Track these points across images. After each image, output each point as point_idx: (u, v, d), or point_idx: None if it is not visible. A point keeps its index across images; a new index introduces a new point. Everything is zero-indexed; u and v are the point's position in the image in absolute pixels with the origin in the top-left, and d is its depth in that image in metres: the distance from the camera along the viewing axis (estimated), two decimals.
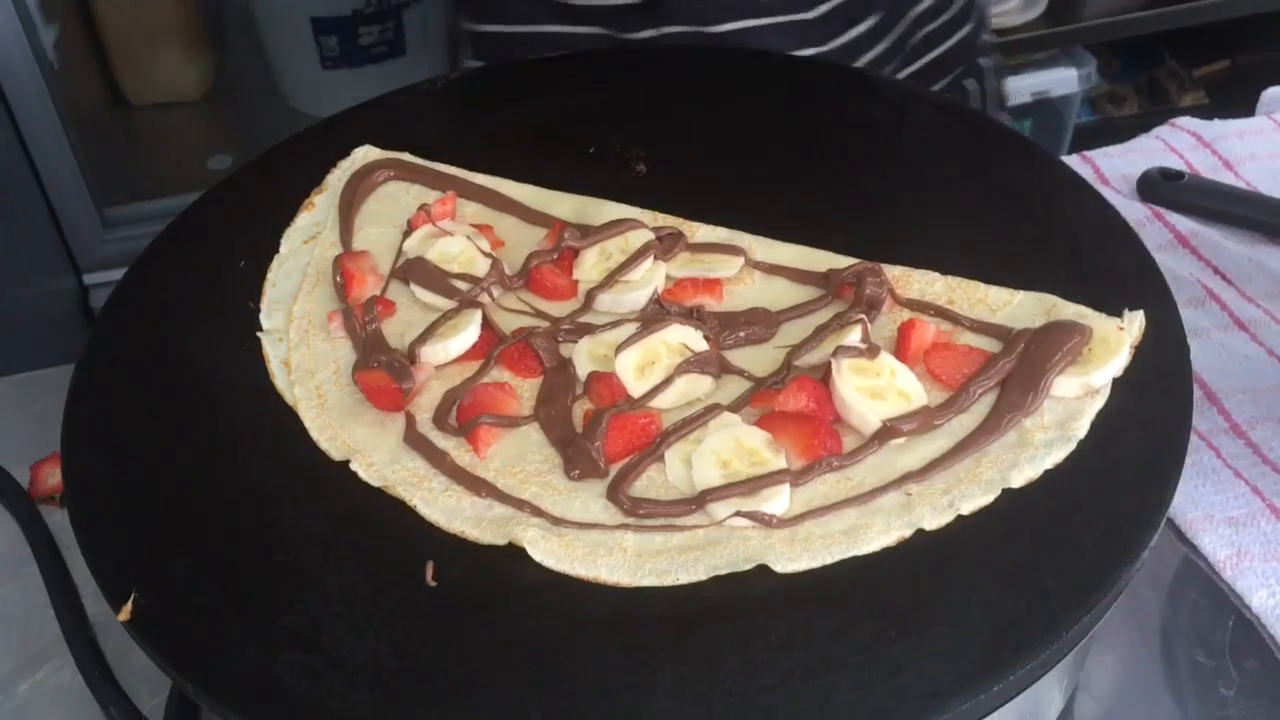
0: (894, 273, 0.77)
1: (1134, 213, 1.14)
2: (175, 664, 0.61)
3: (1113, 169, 1.20)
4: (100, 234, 2.20)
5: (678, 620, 0.62)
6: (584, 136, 0.92)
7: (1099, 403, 0.69)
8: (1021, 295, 0.75)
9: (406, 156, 0.90)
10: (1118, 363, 0.70)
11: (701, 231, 0.82)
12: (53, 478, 0.96)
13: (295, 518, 0.68)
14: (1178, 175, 1.16)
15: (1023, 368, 0.69)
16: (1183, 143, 1.25)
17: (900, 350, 0.72)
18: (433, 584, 0.64)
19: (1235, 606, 0.84)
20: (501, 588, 0.64)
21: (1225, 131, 1.26)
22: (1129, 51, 2.75)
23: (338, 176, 0.88)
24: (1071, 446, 0.67)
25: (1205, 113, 1.32)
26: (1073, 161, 1.20)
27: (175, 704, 0.80)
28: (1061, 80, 2.40)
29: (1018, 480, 0.65)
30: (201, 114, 2.53)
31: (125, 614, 0.63)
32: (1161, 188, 1.15)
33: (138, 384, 0.76)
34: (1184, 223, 1.14)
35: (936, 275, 0.77)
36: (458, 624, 0.62)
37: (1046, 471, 0.66)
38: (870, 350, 0.70)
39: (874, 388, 0.69)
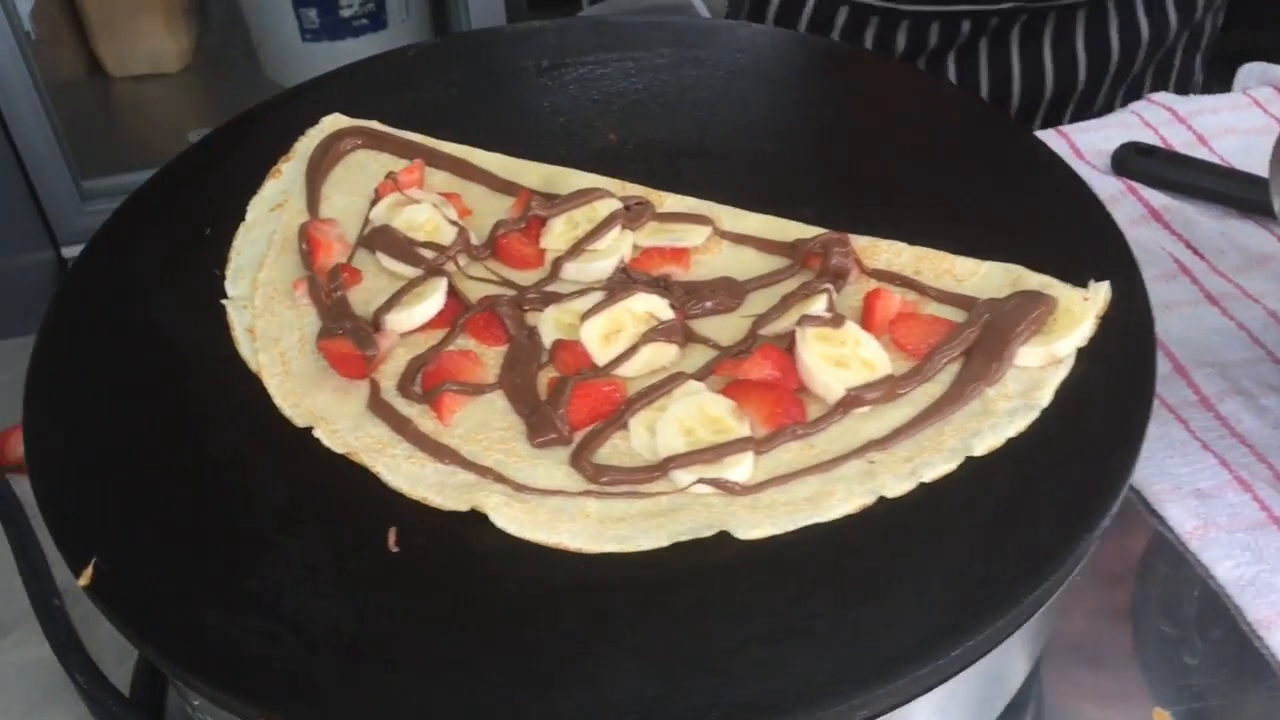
0: (861, 243, 0.77)
1: (1107, 187, 1.14)
2: (135, 629, 0.61)
3: (1088, 144, 1.21)
4: (79, 206, 2.18)
5: (639, 586, 0.62)
6: (554, 106, 0.91)
7: (1063, 372, 0.69)
8: (988, 266, 0.75)
9: (375, 125, 0.89)
10: (1081, 333, 0.70)
11: (670, 201, 0.82)
12: (20, 447, 0.95)
13: (258, 484, 0.67)
14: (1150, 150, 1.16)
15: (987, 337, 0.69)
16: (1158, 118, 1.25)
17: (865, 320, 0.72)
18: (395, 550, 0.64)
19: (1201, 577, 0.84)
20: (463, 554, 0.64)
21: (1200, 107, 1.27)
22: None
23: (306, 144, 0.88)
24: (1034, 415, 0.67)
25: None
26: (1048, 136, 1.20)
27: (142, 671, 0.80)
28: None
29: (980, 448, 0.65)
30: (181, 86, 2.52)
31: (86, 579, 0.62)
32: (1134, 162, 1.15)
33: (101, 350, 0.75)
34: (1157, 198, 1.14)
35: (904, 246, 0.77)
36: (420, 590, 0.62)
37: (1009, 440, 0.66)
38: (835, 319, 0.70)
39: (838, 356, 0.69)
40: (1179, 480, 0.89)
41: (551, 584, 0.62)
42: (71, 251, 2.21)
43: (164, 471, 0.68)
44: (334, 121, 0.90)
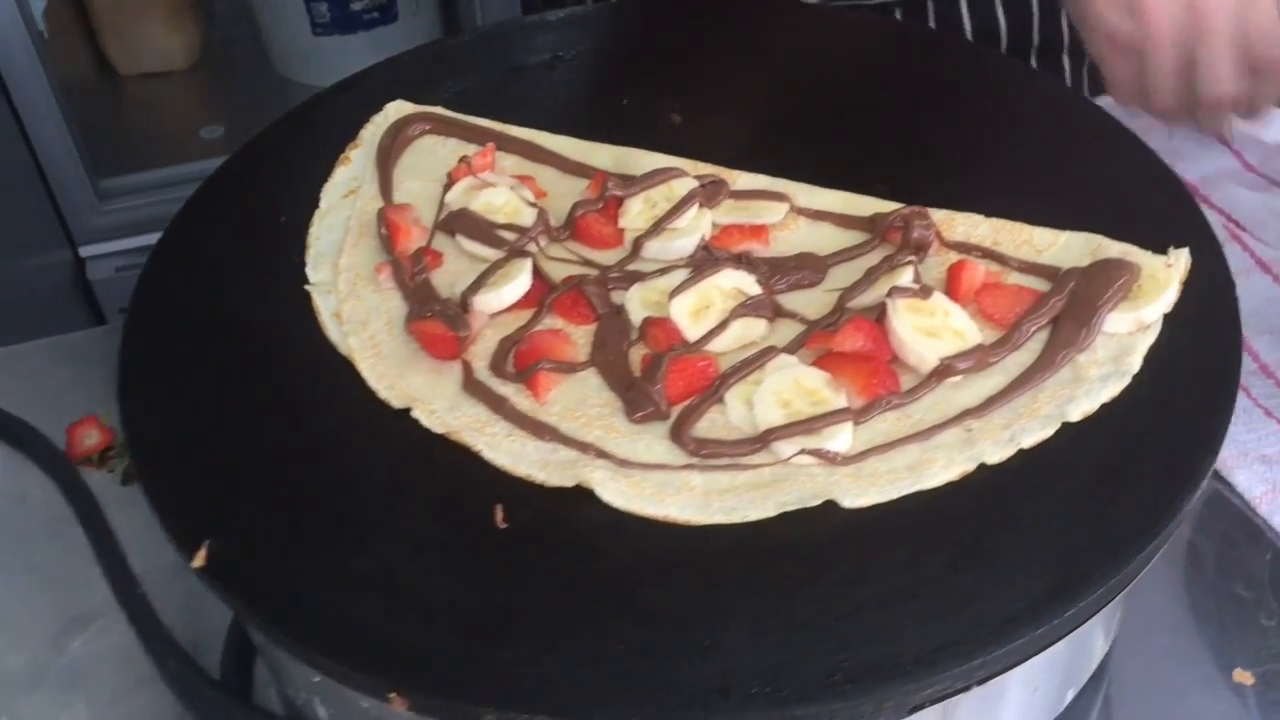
0: (938, 216, 0.77)
1: None
2: (254, 608, 0.61)
3: None
4: (95, 205, 2.18)
5: (748, 556, 0.62)
6: (617, 87, 0.92)
7: (1150, 338, 0.70)
8: (1067, 235, 0.76)
9: (440, 110, 0.89)
10: (1167, 298, 0.71)
11: (742, 179, 0.82)
12: (89, 439, 0.96)
13: (359, 465, 0.68)
14: None
15: (1074, 305, 0.70)
16: None
17: (951, 290, 0.73)
18: (503, 526, 0.64)
19: (1272, 541, 0.86)
20: (571, 529, 0.64)
21: None
22: None
23: (371, 132, 0.88)
24: (1126, 380, 0.68)
25: None
26: None
27: (231, 655, 0.81)
28: None
29: (1075, 414, 0.66)
30: (190, 83, 2.51)
31: (199, 561, 0.63)
32: None
33: (188, 338, 0.76)
34: (1194, 173, 1.15)
35: (980, 218, 0.78)
36: (531, 564, 0.63)
37: (1103, 405, 0.67)
38: (924, 290, 0.71)
39: (929, 327, 0.69)
40: (1245, 447, 0.90)
41: (660, 556, 0.63)
42: (89, 251, 2.20)
43: (264, 455, 0.69)
44: (398, 108, 0.90)
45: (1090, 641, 0.72)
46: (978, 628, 0.58)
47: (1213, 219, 1.10)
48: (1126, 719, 0.79)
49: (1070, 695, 0.72)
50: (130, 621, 0.84)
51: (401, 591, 0.61)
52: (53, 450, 0.95)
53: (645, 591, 0.61)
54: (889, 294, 0.70)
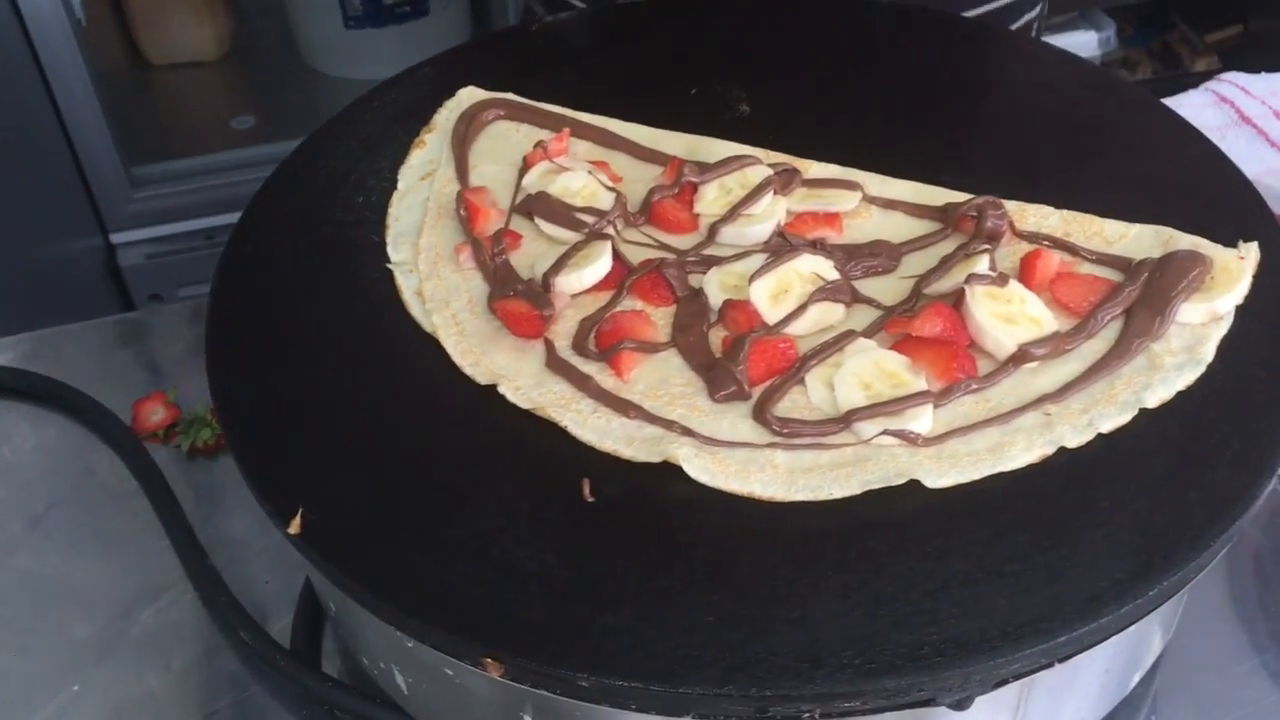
0: (1010, 206, 0.79)
1: None
2: (352, 574, 0.62)
3: None
4: (128, 193, 2.19)
5: (835, 533, 0.64)
6: (685, 78, 0.93)
7: (1224, 328, 0.71)
8: (1138, 228, 0.77)
9: (512, 96, 0.91)
10: (1240, 290, 0.72)
11: (814, 168, 0.84)
12: (155, 415, 0.97)
13: (447, 438, 0.69)
14: None
15: (1148, 295, 0.72)
16: (1233, 93, 1.27)
17: (1025, 279, 0.74)
18: (590, 500, 0.65)
19: None
20: (658, 503, 0.66)
21: (1274, 86, 1.29)
22: (1142, 17, 2.77)
23: (445, 116, 0.90)
24: (1201, 369, 0.69)
25: None
26: None
27: (301, 625, 0.82)
28: (1081, 43, 2.42)
29: (1152, 400, 0.68)
30: (222, 74, 2.53)
31: (295, 528, 0.64)
32: None
33: (272, 314, 0.77)
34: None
35: (1051, 209, 0.79)
36: (621, 537, 0.64)
37: (1179, 393, 0.68)
38: (1000, 278, 0.72)
39: (1007, 314, 0.71)
40: None
41: (748, 531, 0.64)
42: (120, 238, 2.22)
43: (354, 428, 0.70)
44: (470, 94, 0.91)
45: (1156, 626, 0.73)
46: (1062, 605, 0.59)
47: None
48: (1179, 708, 0.80)
49: (1136, 678, 0.73)
50: (199, 592, 0.85)
51: (494, 560, 0.63)
52: (119, 425, 0.96)
53: (733, 565, 0.62)
54: (967, 281, 0.71)
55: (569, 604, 0.61)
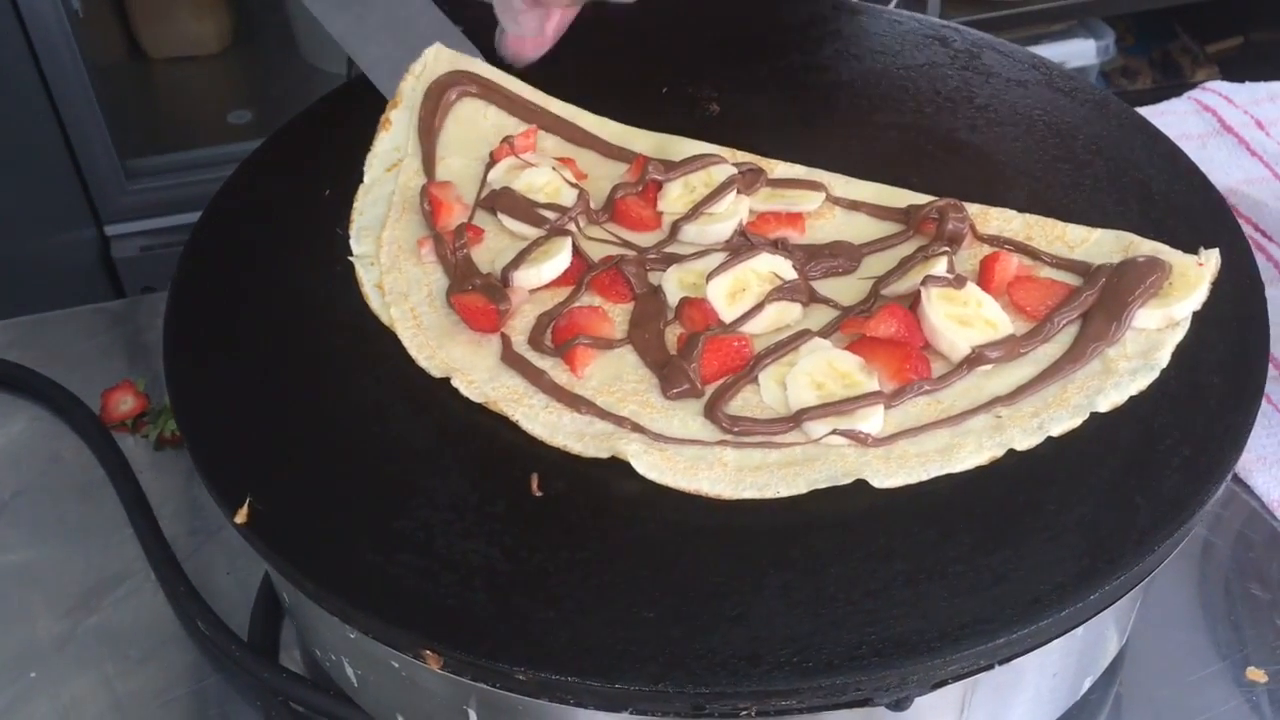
0: (972, 210, 0.79)
1: None
2: (296, 564, 0.63)
3: None
4: (122, 185, 2.19)
5: (780, 531, 0.64)
6: (656, 77, 0.93)
7: (1179, 334, 0.71)
8: (1099, 233, 0.77)
9: (480, 66, 0.90)
10: (1197, 297, 0.72)
11: (780, 168, 0.84)
12: (124, 404, 0.97)
13: (399, 431, 0.69)
14: None
15: (1106, 299, 0.71)
16: (1215, 102, 1.27)
17: (984, 282, 0.74)
18: (538, 494, 0.66)
19: None
20: (605, 499, 0.66)
21: (1257, 96, 1.29)
22: (1143, 26, 2.76)
23: (410, 85, 0.89)
24: (1154, 374, 0.69)
25: None
26: None
27: (260, 617, 0.82)
28: (1079, 52, 2.41)
29: (1104, 405, 0.67)
30: (220, 68, 2.53)
31: (242, 517, 0.64)
32: None
33: (233, 304, 0.77)
34: (1223, 182, 1.16)
35: (1014, 213, 0.79)
36: (566, 531, 0.64)
37: (1132, 399, 0.68)
38: (958, 280, 0.72)
39: (962, 316, 0.71)
40: (1264, 451, 0.91)
41: (693, 528, 0.64)
42: (115, 230, 2.22)
43: (308, 418, 0.70)
44: (435, 54, 0.90)
45: (1108, 631, 0.73)
46: (1003, 607, 0.59)
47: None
48: (1138, 713, 0.80)
49: (1087, 684, 0.73)
50: (160, 582, 0.86)
51: (439, 553, 0.63)
52: (88, 414, 0.96)
53: (677, 561, 0.62)
54: (923, 283, 0.71)
55: (510, 598, 0.61)
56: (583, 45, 0.96)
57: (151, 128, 2.35)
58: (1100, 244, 0.76)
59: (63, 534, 0.91)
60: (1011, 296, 0.73)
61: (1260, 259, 1.06)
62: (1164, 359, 0.70)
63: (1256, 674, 0.80)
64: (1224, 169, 1.18)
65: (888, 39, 0.96)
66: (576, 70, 0.94)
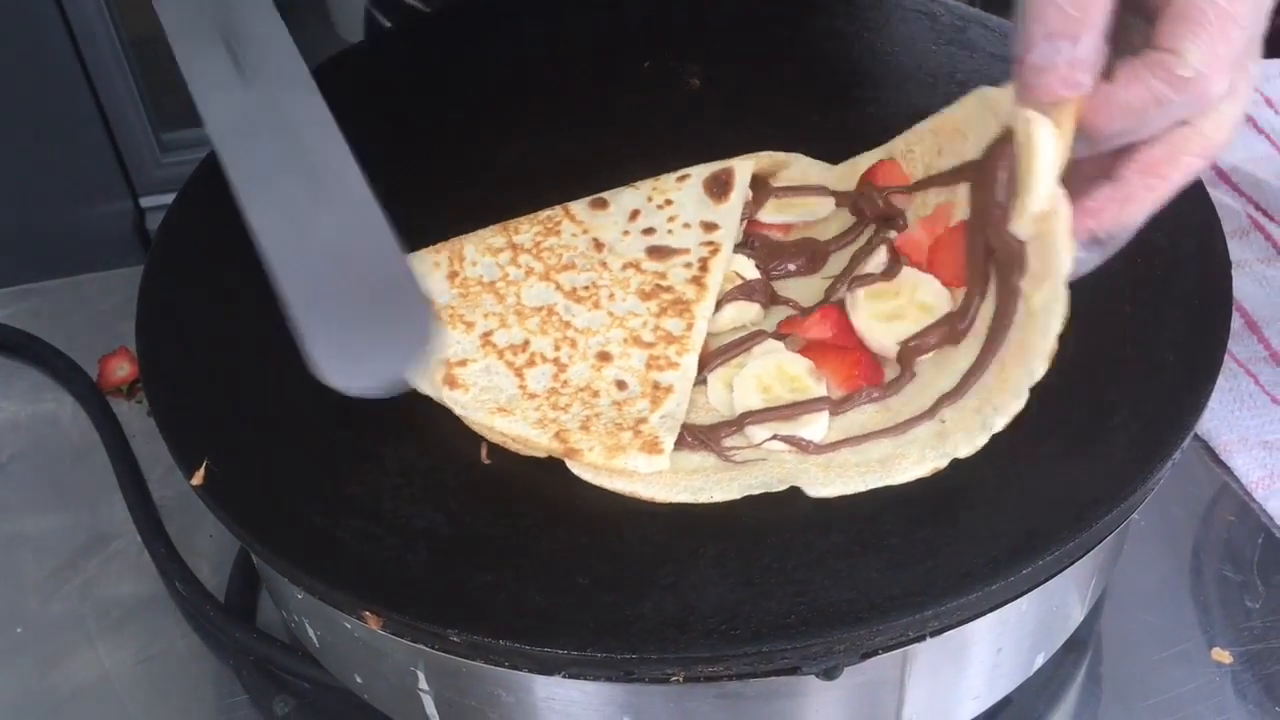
0: (893, 170, 0.75)
1: None
2: (244, 526, 0.64)
3: None
4: (157, 158, 2.22)
5: (721, 503, 0.64)
6: (637, 52, 0.94)
7: (1065, 217, 0.61)
8: (967, 102, 0.70)
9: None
10: (1046, 160, 0.60)
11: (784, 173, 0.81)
12: (120, 370, 1.00)
13: (355, 400, 0.70)
14: None
15: (979, 212, 0.66)
16: None
17: (916, 261, 0.71)
18: (487, 462, 0.67)
19: (1265, 525, 0.86)
20: (552, 469, 0.66)
21: (1269, 72, 1.27)
22: None
23: None
24: (1064, 294, 0.61)
25: None
26: None
27: (237, 579, 0.84)
28: None
29: (1039, 364, 0.62)
30: None
31: (198, 479, 0.66)
32: None
33: (204, 277, 0.78)
34: (1226, 159, 1.14)
35: (922, 128, 0.74)
36: (510, 500, 0.65)
37: (1082, 374, 0.66)
38: (888, 272, 0.70)
39: (893, 310, 0.68)
40: (1247, 432, 0.90)
41: (634, 501, 0.65)
42: (150, 201, 2.25)
43: (268, 385, 0.71)
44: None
45: (1062, 607, 0.72)
46: (934, 580, 0.60)
47: (1239, 206, 1.10)
48: (1106, 691, 0.80)
49: (1040, 660, 0.73)
50: (143, 543, 0.88)
51: (384, 517, 0.64)
52: (86, 379, 0.99)
53: (616, 531, 0.63)
54: (849, 286, 0.70)
55: (450, 561, 0.62)
56: (565, 22, 0.97)
57: (186, 100, 2.38)
58: (981, 120, 0.68)
59: (55, 496, 0.93)
60: (934, 270, 0.69)
61: (1259, 238, 1.05)
62: (1065, 265, 0.60)
63: (1222, 655, 0.80)
64: (1230, 146, 1.16)
65: (872, 13, 0.96)
66: (558, 46, 0.95)
